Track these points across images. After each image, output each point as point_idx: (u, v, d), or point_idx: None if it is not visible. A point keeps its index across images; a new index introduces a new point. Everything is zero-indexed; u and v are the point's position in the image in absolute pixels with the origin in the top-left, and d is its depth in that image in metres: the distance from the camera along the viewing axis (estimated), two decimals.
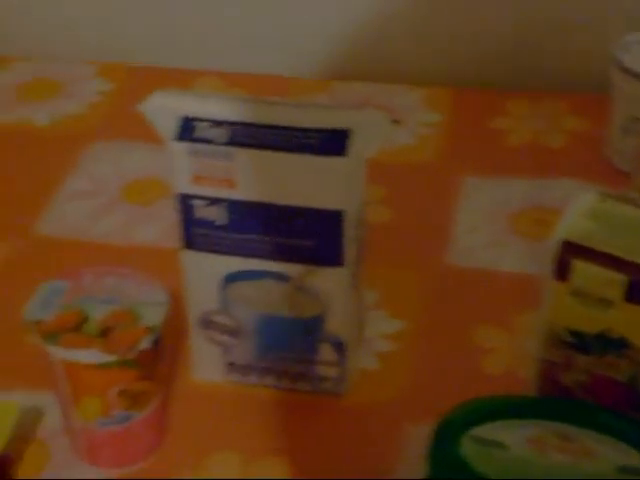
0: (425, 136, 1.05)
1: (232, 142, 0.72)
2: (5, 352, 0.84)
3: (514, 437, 0.68)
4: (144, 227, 0.97)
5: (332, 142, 0.72)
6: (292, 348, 0.80)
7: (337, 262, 0.75)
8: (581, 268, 0.69)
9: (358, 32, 1.15)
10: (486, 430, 0.69)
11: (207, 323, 0.80)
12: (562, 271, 0.69)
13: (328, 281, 0.76)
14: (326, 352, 0.79)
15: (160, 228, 0.95)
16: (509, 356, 0.82)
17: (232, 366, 0.82)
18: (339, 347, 0.79)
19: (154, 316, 0.72)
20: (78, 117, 1.12)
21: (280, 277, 0.77)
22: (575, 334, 0.71)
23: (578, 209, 0.72)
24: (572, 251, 0.69)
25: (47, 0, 1.22)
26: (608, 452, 0.67)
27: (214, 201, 0.75)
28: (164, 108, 0.74)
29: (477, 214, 0.96)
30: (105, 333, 0.71)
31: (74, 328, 0.71)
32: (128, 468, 0.76)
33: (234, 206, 0.74)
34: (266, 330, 0.80)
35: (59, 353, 0.70)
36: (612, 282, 0.68)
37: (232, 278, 0.78)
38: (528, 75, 1.12)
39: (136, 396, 0.73)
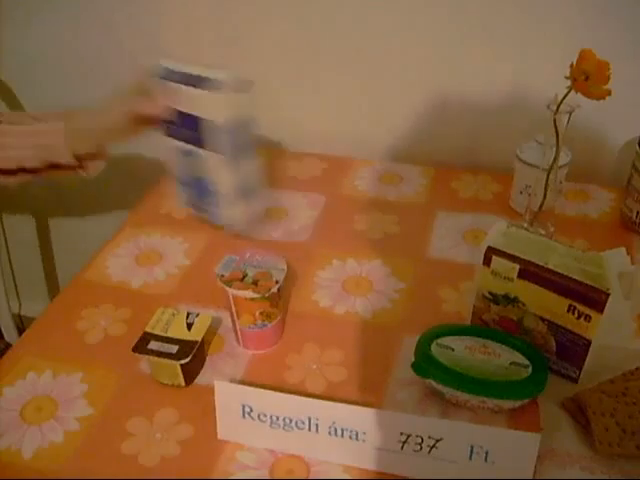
0: (420, 191, 1.03)
1: None
2: (206, 290, 0.82)
3: (458, 345, 0.69)
4: (275, 230, 0.93)
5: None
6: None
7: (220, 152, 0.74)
8: (496, 260, 0.69)
9: (392, 135, 1.13)
10: (444, 340, 0.70)
11: None
12: (487, 261, 0.70)
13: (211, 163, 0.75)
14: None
15: (282, 232, 0.93)
16: (458, 304, 0.81)
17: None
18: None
19: (279, 275, 0.72)
20: None
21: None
22: (491, 294, 0.72)
23: (496, 230, 0.72)
24: (492, 252, 0.69)
25: None
26: (505, 354, 0.68)
27: None
28: None
29: (444, 231, 0.94)
30: (255, 283, 0.71)
31: (240, 279, 0.72)
32: (263, 350, 0.76)
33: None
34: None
35: (231, 291, 0.71)
36: (511, 268, 0.68)
37: None
38: (472, 161, 1.09)
39: (268, 315, 0.73)
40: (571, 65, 0.72)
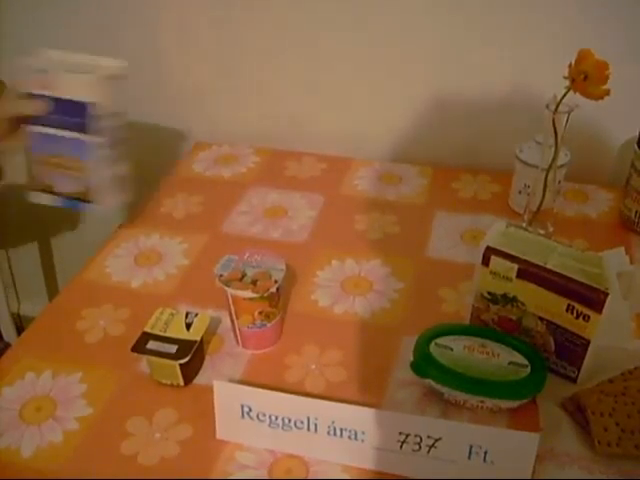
0: (419, 191, 1.03)
1: None
2: (205, 290, 0.82)
3: (457, 344, 0.70)
4: (274, 230, 0.94)
5: None
6: None
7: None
8: (495, 260, 0.69)
9: (391, 135, 1.13)
10: (443, 340, 0.70)
11: None
12: (486, 261, 0.70)
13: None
14: None
15: (282, 232, 0.94)
16: (457, 304, 0.81)
17: None
18: None
19: (278, 275, 0.72)
20: (244, 174, 1.08)
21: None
22: (490, 294, 0.71)
23: (495, 230, 0.72)
24: (491, 251, 0.69)
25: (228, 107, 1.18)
26: (504, 354, 0.68)
27: None
28: None
29: (443, 231, 0.94)
30: (254, 282, 0.71)
31: (239, 279, 0.72)
32: (262, 350, 0.75)
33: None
34: None
35: (230, 291, 0.71)
36: (510, 268, 0.68)
37: None
38: (471, 161, 1.09)
39: (267, 315, 0.73)
40: (570, 65, 0.72)
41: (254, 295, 0.71)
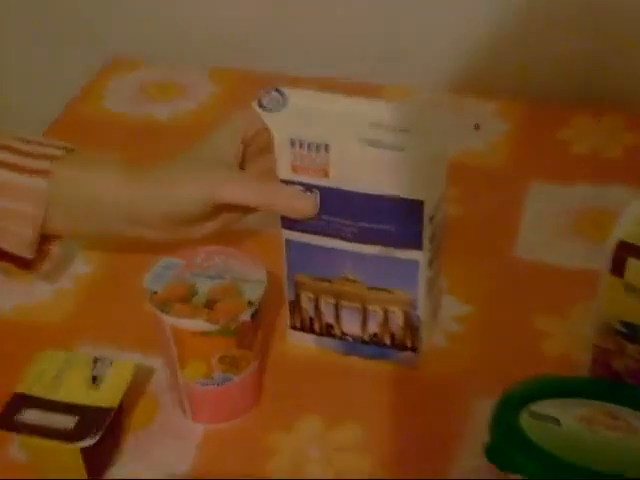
0: (498, 143, 1.04)
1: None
2: (126, 318, 0.84)
3: (567, 413, 0.67)
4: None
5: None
6: None
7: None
8: (635, 265, 0.67)
9: (451, 50, 1.16)
10: (542, 406, 0.68)
11: None
12: (618, 267, 0.68)
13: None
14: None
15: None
16: (565, 341, 0.81)
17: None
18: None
19: (254, 292, 0.72)
20: (193, 113, 1.12)
21: None
22: (627, 325, 0.70)
23: (632, 213, 0.70)
24: (627, 250, 0.67)
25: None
26: None
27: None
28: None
29: (541, 214, 0.95)
30: (210, 305, 0.71)
31: (184, 299, 0.72)
32: (225, 423, 0.76)
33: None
34: None
35: (170, 320, 0.70)
36: None
37: None
38: (589, 93, 1.12)
39: (234, 361, 0.73)
40: None
41: (211, 327, 0.70)
